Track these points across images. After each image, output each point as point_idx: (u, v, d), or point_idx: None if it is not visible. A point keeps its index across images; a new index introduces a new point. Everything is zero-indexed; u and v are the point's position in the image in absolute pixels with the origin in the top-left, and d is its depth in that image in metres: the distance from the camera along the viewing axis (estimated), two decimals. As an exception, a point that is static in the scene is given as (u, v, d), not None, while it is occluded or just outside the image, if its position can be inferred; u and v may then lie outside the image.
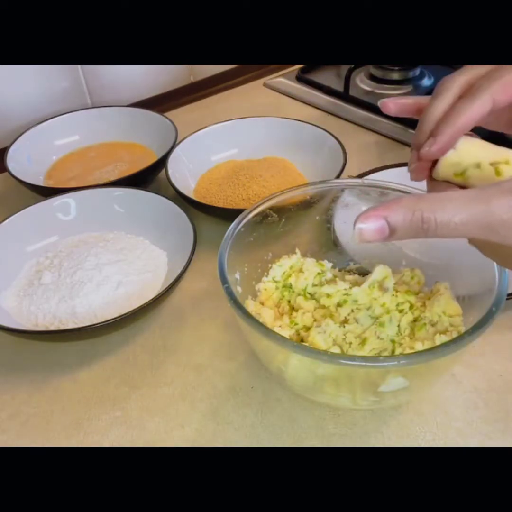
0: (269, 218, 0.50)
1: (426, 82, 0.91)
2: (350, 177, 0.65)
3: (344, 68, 0.91)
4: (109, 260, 0.55)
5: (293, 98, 0.91)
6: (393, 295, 0.47)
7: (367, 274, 0.50)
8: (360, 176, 0.65)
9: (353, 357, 0.39)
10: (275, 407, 0.46)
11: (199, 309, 0.55)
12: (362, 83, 0.92)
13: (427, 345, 0.43)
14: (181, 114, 0.86)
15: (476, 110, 0.35)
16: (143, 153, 0.75)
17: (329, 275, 0.50)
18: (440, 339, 0.42)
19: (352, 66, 0.89)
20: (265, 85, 0.96)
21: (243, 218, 0.47)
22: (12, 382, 0.50)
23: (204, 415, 0.46)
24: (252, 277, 0.50)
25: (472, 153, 0.36)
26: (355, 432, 0.45)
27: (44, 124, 0.76)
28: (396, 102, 0.40)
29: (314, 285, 0.49)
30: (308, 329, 0.46)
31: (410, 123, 0.79)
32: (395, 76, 0.91)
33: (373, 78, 0.92)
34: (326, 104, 0.88)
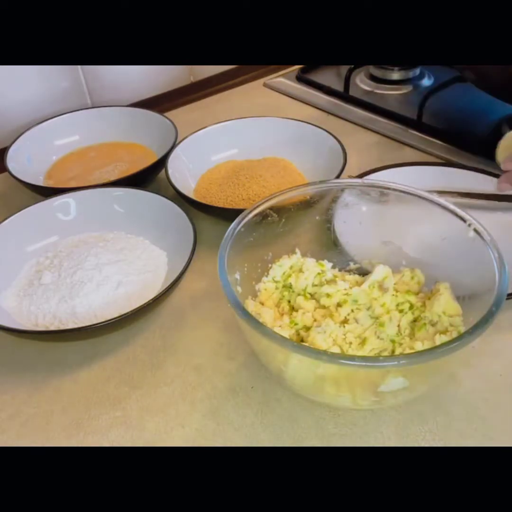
0: (269, 218, 0.50)
1: (426, 82, 0.91)
2: (350, 177, 0.65)
3: (344, 68, 0.91)
4: (109, 260, 0.55)
5: (293, 98, 0.91)
6: (393, 295, 0.47)
7: (367, 274, 0.50)
8: (360, 176, 0.65)
9: (353, 357, 0.39)
10: (275, 407, 0.46)
11: (199, 309, 0.55)
12: (362, 83, 0.92)
13: (427, 345, 0.43)
14: (181, 114, 0.86)
15: None
16: (143, 153, 0.75)
17: (329, 275, 0.50)
18: (440, 339, 0.42)
19: (352, 66, 0.89)
20: (265, 85, 0.96)
21: (243, 218, 0.47)
22: (12, 382, 0.50)
23: (204, 415, 0.46)
24: (252, 277, 0.50)
25: None
26: (355, 432, 0.44)
27: (44, 124, 0.76)
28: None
29: (314, 285, 0.49)
30: (308, 329, 0.46)
31: (410, 123, 0.79)
32: (395, 76, 0.91)
33: (373, 78, 0.92)
34: (326, 104, 0.88)
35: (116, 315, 0.48)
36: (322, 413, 0.46)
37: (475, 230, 0.45)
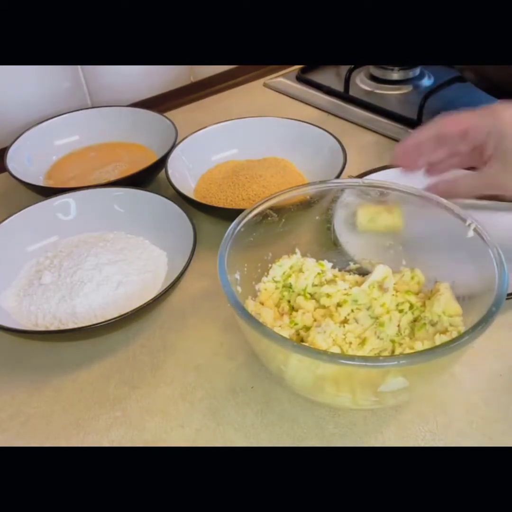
0: (269, 218, 0.50)
1: (426, 82, 0.91)
2: (350, 177, 0.65)
3: (344, 68, 0.91)
4: (109, 260, 0.55)
5: (293, 98, 0.91)
6: (393, 295, 0.47)
7: (367, 274, 0.50)
8: (360, 176, 0.65)
9: (353, 357, 0.39)
10: (275, 407, 0.46)
11: (199, 309, 0.55)
12: (362, 83, 0.92)
13: (427, 345, 0.43)
14: (181, 114, 0.86)
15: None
16: (143, 153, 0.75)
17: (329, 275, 0.50)
18: (440, 339, 0.42)
19: (352, 66, 0.89)
20: (265, 85, 0.96)
21: (243, 218, 0.47)
22: (12, 382, 0.50)
23: (204, 415, 0.46)
24: (252, 277, 0.50)
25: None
26: (355, 432, 0.44)
27: (44, 124, 0.76)
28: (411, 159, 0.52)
29: (314, 285, 0.49)
30: (308, 329, 0.46)
31: (410, 123, 0.79)
32: (395, 76, 0.91)
33: (373, 78, 0.92)
34: (326, 104, 0.88)
35: (116, 315, 0.48)
36: (322, 413, 0.46)
37: (475, 230, 0.45)
